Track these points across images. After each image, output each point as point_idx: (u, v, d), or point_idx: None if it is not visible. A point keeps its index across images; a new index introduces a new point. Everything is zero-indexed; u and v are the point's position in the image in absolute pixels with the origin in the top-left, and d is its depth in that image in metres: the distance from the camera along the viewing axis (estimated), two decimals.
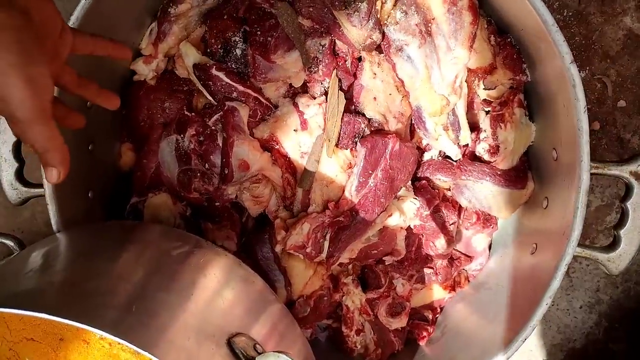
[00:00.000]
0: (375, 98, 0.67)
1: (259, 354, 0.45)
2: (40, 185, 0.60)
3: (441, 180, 0.70)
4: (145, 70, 0.70)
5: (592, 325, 0.85)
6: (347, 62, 0.67)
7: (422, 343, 0.74)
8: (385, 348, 0.73)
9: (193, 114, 0.69)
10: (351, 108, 0.68)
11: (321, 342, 0.78)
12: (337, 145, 0.67)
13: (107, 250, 0.54)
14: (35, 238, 0.86)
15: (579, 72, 0.54)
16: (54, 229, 0.60)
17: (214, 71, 0.67)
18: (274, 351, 0.44)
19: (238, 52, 0.68)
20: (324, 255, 0.68)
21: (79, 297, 0.44)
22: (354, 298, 0.72)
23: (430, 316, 0.75)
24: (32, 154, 0.82)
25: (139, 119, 0.71)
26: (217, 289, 0.52)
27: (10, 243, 0.62)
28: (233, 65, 0.68)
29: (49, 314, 0.40)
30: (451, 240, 0.71)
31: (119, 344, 0.48)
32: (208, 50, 0.68)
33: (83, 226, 0.62)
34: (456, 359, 0.68)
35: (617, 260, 0.59)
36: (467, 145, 0.70)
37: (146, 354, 0.40)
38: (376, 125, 0.68)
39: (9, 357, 0.51)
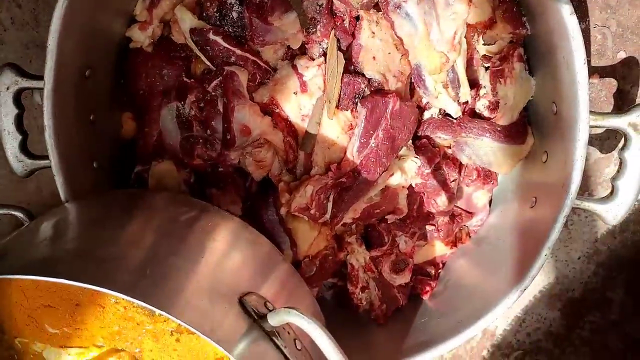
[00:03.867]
0: (374, 57, 0.67)
1: (270, 311, 0.47)
2: (46, 157, 0.61)
3: (441, 138, 0.71)
4: (141, 37, 0.69)
5: (590, 275, 0.87)
6: (345, 22, 0.66)
7: (425, 297, 0.76)
8: (390, 303, 0.75)
9: (192, 80, 0.69)
10: (350, 68, 0.68)
11: (327, 300, 0.80)
12: (337, 106, 0.67)
13: (117, 218, 0.55)
14: (42, 210, 0.86)
15: (579, 24, 0.54)
16: (63, 200, 0.61)
17: (211, 35, 0.66)
18: (284, 307, 0.45)
19: (234, 15, 0.67)
20: (327, 216, 0.69)
21: (94, 263, 0.46)
22: (358, 256, 0.74)
23: (433, 271, 0.77)
24: (33, 127, 0.82)
25: (138, 87, 0.70)
26: (226, 251, 0.53)
27: (19, 215, 0.63)
28: (230, 29, 0.67)
29: (67, 279, 0.41)
30: (452, 197, 0.72)
31: (134, 306, 0.50)
32: (204, 14, 0.67)
33: (91, 196, 0.62)
34: (459, 311, 0.70)
35: (615, 210, 0.60)
36: (467, 102, 0.70)
37: (164, 313, 0.42)
38: (376, 85, 0.68)
39: (28, 324, 0.53)
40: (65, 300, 0.51)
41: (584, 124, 0.55)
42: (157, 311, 0.43)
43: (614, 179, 0.60)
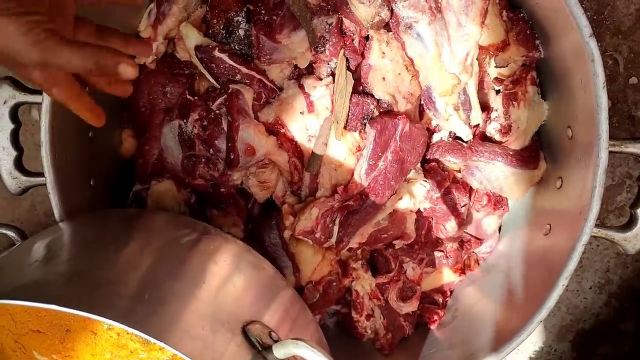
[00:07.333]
0: (384, 78, 0.65)
1: (275, 341, 0.44)
2: (41, 174, 0.59)
3: (451, 161, 0.69)
4: None
5: (601, 305, 0.84)
6: (354, 41, 0.65)
7: (433, 327, 0.73)
8: (396, 333, 0.72)
9: (196, 98, 0.67)
10: (359, 89, 0.66)
11: (330, 327, 0.77)
12: (345, 127, 0.66)
13: (113, 239, 0.52)
14: (35, 229, 0.84)
15: None
16: (57, 219, 0.58)
17: (216, 53, 0.64)
18: (291, 339, 0.42)
19: (241, 32, 0.65)
20: (333, 240, 0.67)
21: (88, 287, 0.43)
22: (363, 283, 0.71)
23: (441, 300, 0.74)
24: (30, 143, 0.80)
25: (139, 105, 0.69)
26: (229, 276, 0.51)
27: (11, 234, 0.61)
28: (236, 47, 0.66)
29: (59, 306, 0.38)
30: (462, 222, 0.70)
31: (128, 333, 0.47)
32: (210, 32, 0.66)
33: (86, 215, 0.60)
34: (468, 343, 0.67)
35: (634, 240, 0.58)
36: (478, 125, 0.68)
37: (160, 343, 0.39)
38: (385, 106, 0.66)
39: (15, 350, 0.50)
40: (55, 326, 0.48)
41: (603, 150, 0.53)
42: (154, 340, 0.40)
43: (632, 206, 0.58)
